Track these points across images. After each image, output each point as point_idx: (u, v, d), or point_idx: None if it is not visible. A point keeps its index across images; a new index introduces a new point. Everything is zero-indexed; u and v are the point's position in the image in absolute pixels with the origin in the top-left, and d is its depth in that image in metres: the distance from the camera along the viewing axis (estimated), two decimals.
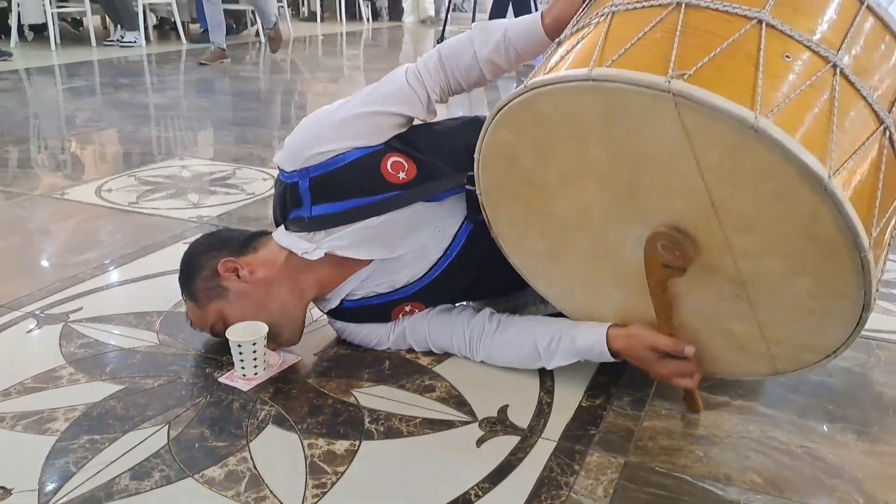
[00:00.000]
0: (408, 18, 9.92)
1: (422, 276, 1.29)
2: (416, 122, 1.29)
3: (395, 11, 9.63)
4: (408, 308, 1.32)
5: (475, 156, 1.12)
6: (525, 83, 0.97)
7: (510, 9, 5.05)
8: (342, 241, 1.23)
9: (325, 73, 5.29)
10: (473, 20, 5.79)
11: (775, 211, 0.90)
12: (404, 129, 1.26)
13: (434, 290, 1.31)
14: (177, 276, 1.28)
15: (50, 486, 0.99)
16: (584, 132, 0.96)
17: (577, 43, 1.01)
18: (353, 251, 1.24)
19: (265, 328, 1.24)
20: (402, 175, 1.22)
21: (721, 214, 0.93)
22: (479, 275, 1.32)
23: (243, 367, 1.24)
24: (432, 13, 10.03)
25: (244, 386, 1.23)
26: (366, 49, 6.96)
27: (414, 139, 1.26)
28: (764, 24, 0.90)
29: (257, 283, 1.25)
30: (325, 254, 1.23)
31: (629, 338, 1.15)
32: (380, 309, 1.32)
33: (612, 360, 1.18)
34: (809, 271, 0.94)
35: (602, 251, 1.09)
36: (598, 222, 1.06)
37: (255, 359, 1.23)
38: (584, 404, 1.21)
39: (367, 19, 9.39)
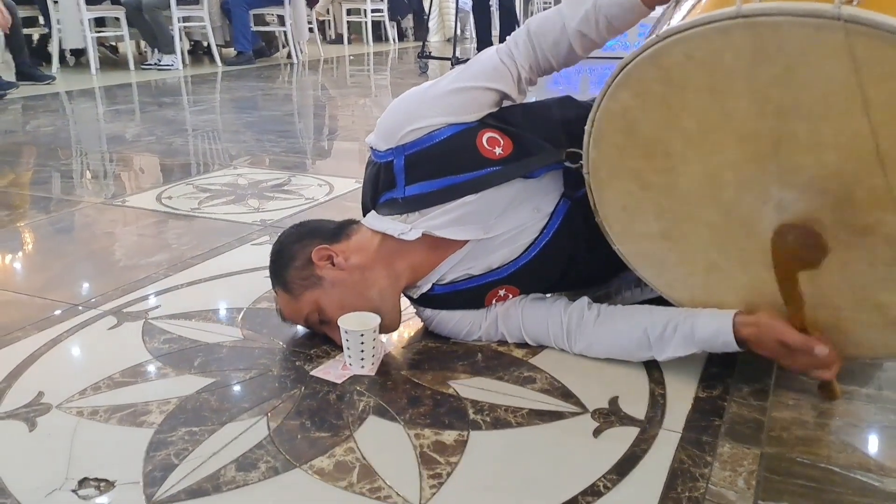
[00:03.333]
0: (433, 38, 9.96)
1: (518, 257, 1.23)
2: (505, 103, 1.24)
3: (421, 32, 9.67)
4: (502, 292, 1.26)
5: (587, 127, 1.06)
6: (656, 33, 0.91)
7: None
8: (438, 220, 1.18)
9: (356, 90, 5.29)
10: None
11: None
12: (496, 108, 1.22)
13: (529, 273, 1.25)
14: (252, 274, 1.22)
15: (154, 478, 0.93)
16: (724, 80, 0.89)
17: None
18: (450, 231, 1.19)
19: (377, 317, 1.19)
20: (498, 150, 1.18)
21: (888, 161, 0.85)
22: (575, 256, 1.26)
23: (362, 359, 1.19)
24: (458, 32, 10.06)
25: (338, 378, 1.18)
26: (392, 68, 6.98)
27: (507, 116, 1.22)
28: None
29: (352, 269, 1.20)
30: (422, 234, 1.18)
31: (758, 327, 1.07)
32: (473, 293, 1.26)
33: (738, 349, 1.10)
34: None
35: (731, 225, 1.02)
36: (729, 190, 0.98)
37: (374, 348, 1.19)
38: (700, 395, 1.13)
39: (393, 40, 9.44)
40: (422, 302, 1.29)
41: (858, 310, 1.01)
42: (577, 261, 1.27)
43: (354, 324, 1.18)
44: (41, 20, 5.92)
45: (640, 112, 0.99)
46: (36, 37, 6.26)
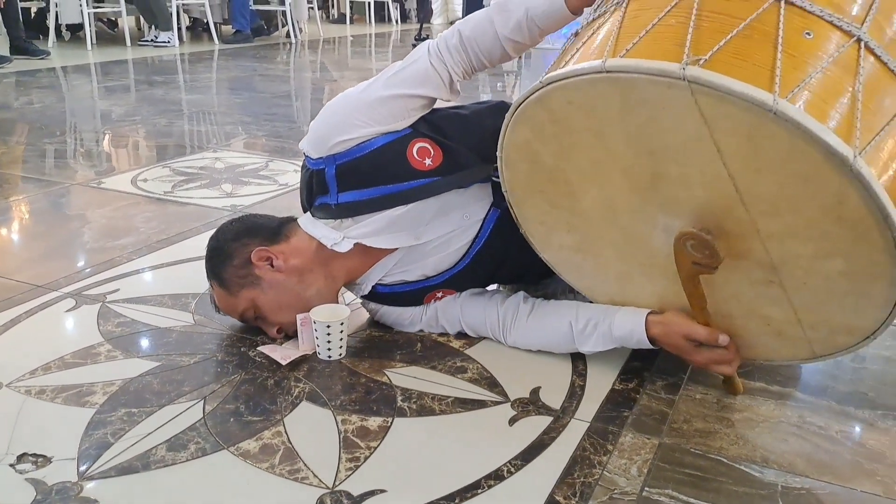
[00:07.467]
0: (437, 20, 9.94)
1: (452, 266, 1.30)
2: (440, 103, 1.28)
3: (424, 13, 9.66)
4: (439, 294, 1.33)
5: (498, 153, 1.11)
6: (540, 78, 0.96)
7: None
8: (368, 228, 1.23)
9: (354, 73, 5.32)
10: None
11: (801, 194, 0.87)
12: (428, 111, 1.26)
13: (464, 278, 1.32)
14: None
15: (88, 455, 1.01)
16: (602, 124, 0.95)
17: (592, 33, 1.00)
18: (380, 240, 1.24)
19: (347, 309, 1.27)
20: (427, 161, 1.22)
21: (746, 200, 0.91)
22: (507, 257, 1.32)
23: (329, 349, 1.26)
24: (460, 14, 10.04)
25: (283, 359, 1.24)
26: (394, 49, 6.99)
27: (440, 124, 1.26)
28: (783, 2, 0.86)
29: (291, 272, 1.25)
30: (353, 245, 1.23)
31: (665, 325, 1.14)
32: (411, 296, 1.33)
33: (651, 346, 1.17)
34: (840, 253, 0.91)
35: (631, 243, 1.09)
36: (623, 215, 1.05)
37: (341, 339, 1.26)
38: (617, 387, 1.20)
39: (396, 21, 9.43)
40: (367, 297, 1.36)
41: (748, 318, 1.08)
42: (509, 261, 1.33)
43: (324, 315, 1.25)
44: None
45: (539, 145, 1.04)
46: (33, 10, 6.29)
